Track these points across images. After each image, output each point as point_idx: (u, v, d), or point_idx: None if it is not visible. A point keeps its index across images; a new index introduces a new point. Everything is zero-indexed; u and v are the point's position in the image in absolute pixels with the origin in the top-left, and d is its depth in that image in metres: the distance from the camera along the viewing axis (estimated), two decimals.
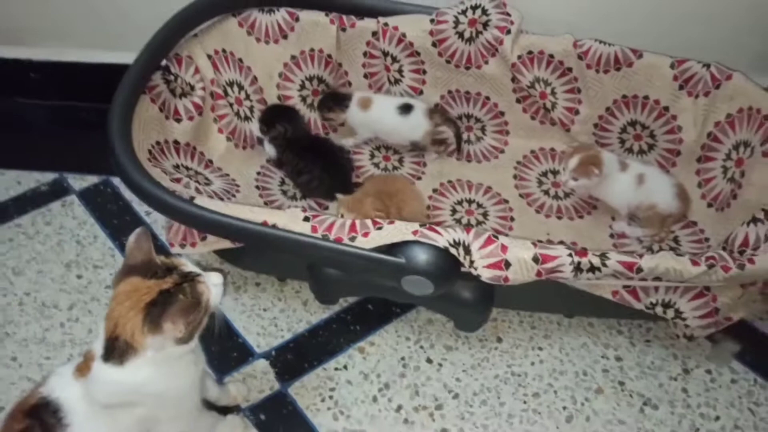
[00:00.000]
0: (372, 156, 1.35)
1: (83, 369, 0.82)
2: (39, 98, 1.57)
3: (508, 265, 0.90)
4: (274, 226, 0.95)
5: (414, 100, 1.29)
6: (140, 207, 1.36)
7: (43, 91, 1.56)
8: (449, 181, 1.29)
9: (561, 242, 1.18)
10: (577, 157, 1.13)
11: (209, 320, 0.82)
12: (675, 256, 0.90)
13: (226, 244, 1.04)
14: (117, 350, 0.76)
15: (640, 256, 0.89)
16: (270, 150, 1.29)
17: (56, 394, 0.82)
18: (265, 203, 1.25)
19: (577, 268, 0.90)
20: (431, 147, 1.31)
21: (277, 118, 1.27)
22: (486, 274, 0.91)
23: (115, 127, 1.01)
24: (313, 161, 1.23)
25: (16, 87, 1.56)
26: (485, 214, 1.24)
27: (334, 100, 1.30)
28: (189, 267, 0.81)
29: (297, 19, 1.26)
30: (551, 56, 1.19)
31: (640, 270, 0.89)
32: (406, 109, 1.27)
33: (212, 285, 0.81)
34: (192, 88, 1.21)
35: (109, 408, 0.82)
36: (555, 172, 1.30)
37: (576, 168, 1.13)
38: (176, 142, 1.18)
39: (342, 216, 1.06)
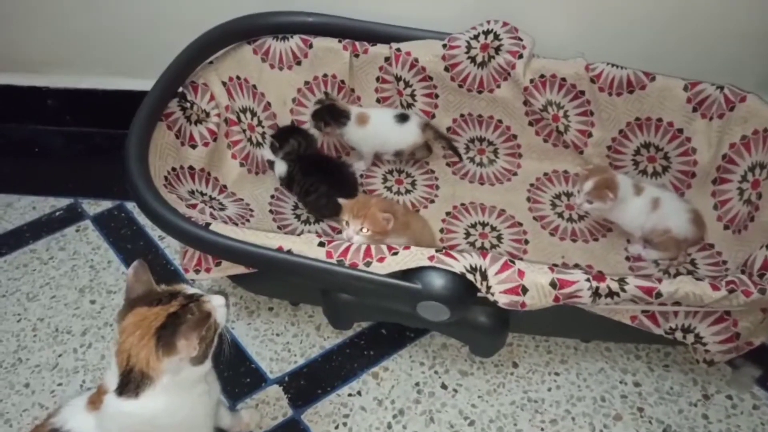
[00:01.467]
0: (384, 180, 1.35)
1: (96, 401, 0.81)
2: (55, 125, 1.60)
3: (525, 290, 0.90)
4: (289, 252, 0.95)
5: (409, 112, 1.31)
6: (153, 232, 1.37)
7: (59, 118, 1.58)
8: (462, 204, 1.29)
9: (576, 265, 1.17)
10: (593, 180, 1.13)
11: (219, 344, 0.82)
12: (694, 280, 0.89)
13: (240, 269, 1.04)
14: (132, 383, 0.76)
15: (659, 280, 0.88)
16: (281, 168, 1.29)
17: (69, 425, 0.81)
18: (279, 227, 1.25)
19: (596, 293, 0.89)
20: (408, 157, 1.33)
21: (291, 134, 1.29)
22: (503, 300, 0.90)
23: (133, 154, 1.02)
24: (320, 180, 1.24)
25: (34, 114, 1.58)
26: (499, 237, 1.23)
27: (330, 114, 1.27)
28: (191, 290, 0.82)
29: (310, 46, 1.27)
30: (563, 80, 1.20)
31: (659, 295, 0.88)
32: (402, 118, 1.28)
33: (216, 306, 0.81)
34: (207, 114, 1.22)
35: None
36: (569, 195, 1.30)
37: (591, 191, 1.13)
38: (191, 168, 1.19)
39: (347, 223, 1.04)
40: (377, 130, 1.29)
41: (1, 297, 1.26)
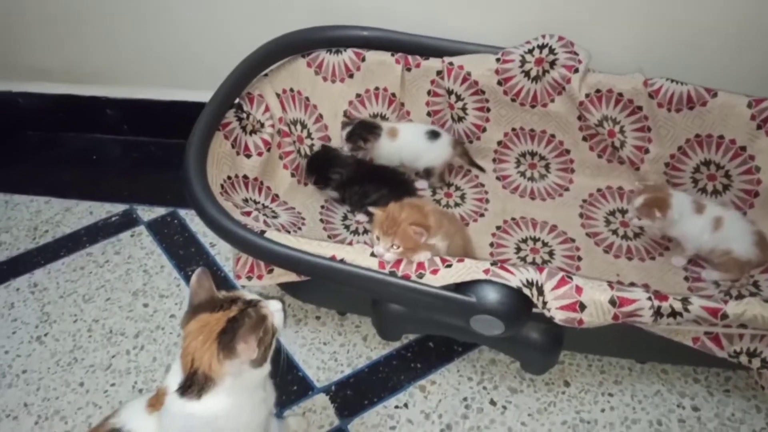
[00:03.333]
0: (434, 192, 1.35)
1: (155, 404, 0.83)
2: (113, 134, 1.65)
3: (583, 307, 0.88)
4: (342, 261, 0.95)
5: (439, 129, 1.30)
6: (205, 238, 1.40)
7: (117, 128, 1.64)
8: (513, 219, 1.28)
9: (632, 284, 1.14)
10: (643, 197, 1.12)
11: (276, 352, 0.83)
12: (763, 302, 0.85)
13: (292, 277, 1.05)
14: (196, 384, 0.77)
15: (725, 301, 0.85)
16: (332, 193, 1.31)
17: (128, 426, 0.83)
18: (329, 237, 1.26)
19: (657, 313, 0.86)
20: (436, 177, 1.32)
21: (328, 170, 1.28)
22: (559, 316, 0.89)
23: (192, 162, 1.04)
24: (381, 183, 1.24)
25: (93, 123, 1.64)
26: (551, 253, 1.21)
27: (367, 130, 1.28)
28: (249, 295, 0.84)
29: (363, 59, 1.29)
30: (620, 95, 1.18)
31: (725, 316, 0.85)
32: (434, 135, 1.28)
33: (273, 310, 0.83)
34: (262, 125, 1.24)
35: None
36: (623, 212, 1.27)
37: (640, 208, 1.12)
38: (245, 177, 1.21)
39: (378, 238, 0.97)
40: (406, 142, 1.29)
41: (59, 298, 1.31)
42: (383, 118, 1.35)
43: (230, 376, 0.77)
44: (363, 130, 1.28)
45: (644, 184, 1.16)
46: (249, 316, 0.79)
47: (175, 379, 0.80)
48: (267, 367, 0.82)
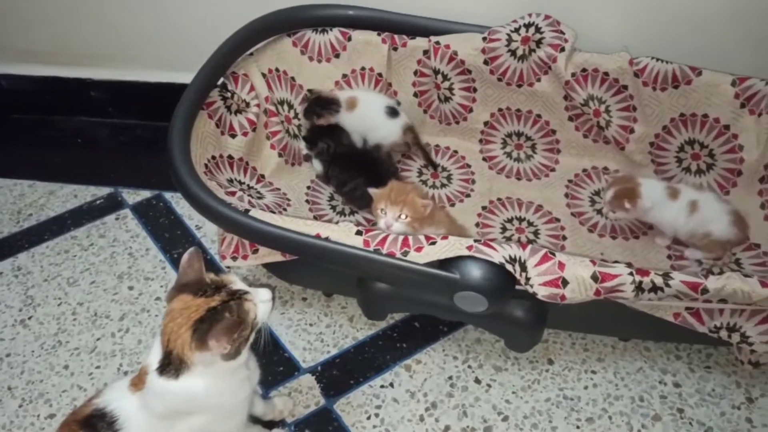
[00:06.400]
0: (420, 173, 1.34)
1: (138, 383, 0.83)
2: (98, 116, 1.63)
3: (565, 283, 0.88)
4: (327, 239, 0.95)
5: (400, 109, 1.29)
6: (191, 221, 1.39)
7: (102, 110, 1.62)
8: (499, 199, 1.28)
9: (615, 262, 1.14)
10: (612, 190, 1.12)
11: (257, 335, 0.82)
12: (743, 277, 0.86)
13: (277, 257, 1.05)
14: (172, 364, 0.78)
15: (706, 276, 0.86)
16: (317, 166, 1.31)
17: (112, 406, 0.83)
18: (315, 217, 1.25)
19: (639, 288, 0.87)
20: (386, 158, 1.32)
21: (320, 137, 1.29)
22: (542, 292, 0.89)
23: (175, 141, 1.03)
24: (358, 172, 1.24)
25: (78, 106, 1.62)
26: (536, 233, 1.22)
27: (321, 106, 1.28)
28: (237, 285, 0.82)
29: (349, 39, 1.28)
30: (606, 74, 1.18)
31: (705, 291, 0.86)
32: (393, 113, 1.27)
33: (260, 302, 0.81)
34: (247, 105, 1.23)
35: (165, 418, 0.82)
36: None
37: (611, 201, 1.12)
38: (230, 157, 1.20)
39: (383, 211, 1.02)
40: (364, 113, 1.28)
41: (43, 281, 1.30)
42: None
43: (200, 365, 0.77)
44: (317, 106, 1.28)
45: (614, 176, 1.16)
46: (230, 311, 0.77)
47: (156, 356, 0.80)
48: (242, 358, 0.81)
